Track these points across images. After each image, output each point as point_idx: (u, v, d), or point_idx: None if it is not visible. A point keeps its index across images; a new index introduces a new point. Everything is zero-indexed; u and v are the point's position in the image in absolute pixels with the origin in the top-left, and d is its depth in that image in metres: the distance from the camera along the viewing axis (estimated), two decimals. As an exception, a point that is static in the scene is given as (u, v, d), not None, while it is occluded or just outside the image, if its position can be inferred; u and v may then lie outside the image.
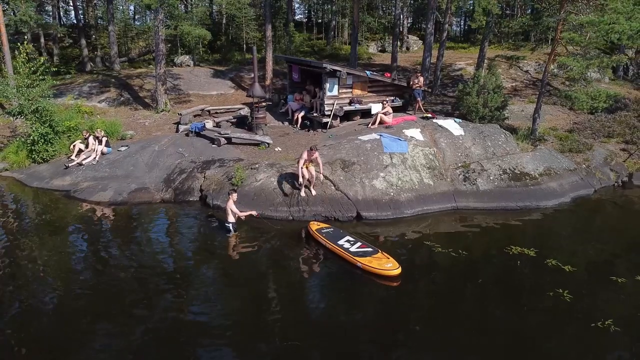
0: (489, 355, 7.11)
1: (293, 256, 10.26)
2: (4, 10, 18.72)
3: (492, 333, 7.62)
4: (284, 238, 11.02)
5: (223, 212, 11.40)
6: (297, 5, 42.03)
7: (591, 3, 14.28)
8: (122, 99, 22.00)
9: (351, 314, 8.18)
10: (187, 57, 27.56)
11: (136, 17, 35.48)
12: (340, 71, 16.47)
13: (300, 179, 12.17)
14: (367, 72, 17.39)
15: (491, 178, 13.70)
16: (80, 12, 27.06)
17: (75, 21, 27.20)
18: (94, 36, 31.13)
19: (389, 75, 17.84)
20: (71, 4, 31.46)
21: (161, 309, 8.15)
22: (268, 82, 22.61)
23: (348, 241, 10.25)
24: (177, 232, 11.73)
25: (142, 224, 12.21)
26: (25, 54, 15.20)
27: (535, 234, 11.71)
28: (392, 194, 12.77)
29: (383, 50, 30.64)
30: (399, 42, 27.94)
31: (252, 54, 16.58)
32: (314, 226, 11.07)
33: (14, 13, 19.52)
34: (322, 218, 11.88)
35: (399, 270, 9.17)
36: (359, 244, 10.15)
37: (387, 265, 9.25)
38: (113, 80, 23.64)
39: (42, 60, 15.76)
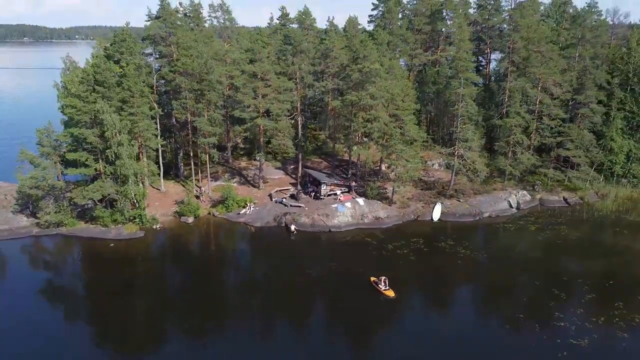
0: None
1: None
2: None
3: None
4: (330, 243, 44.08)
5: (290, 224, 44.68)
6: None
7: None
8: (242, 180, 55.42)
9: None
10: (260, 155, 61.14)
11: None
12: (326, 183, 49.95)
13: None
14: (336, 180, 50.88)
15: (368, 218, 47.06)
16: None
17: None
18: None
19: (343, 182, 51.26)
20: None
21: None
22: (300, 172, 55.99)
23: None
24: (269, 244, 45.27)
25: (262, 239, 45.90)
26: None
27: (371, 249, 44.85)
28: (338, 223, 46.18)
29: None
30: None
31: (295, 162, 50.16)
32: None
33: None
34: (315, 229, 45.26)
35: None
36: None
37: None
38: (234, 171, 57.20)
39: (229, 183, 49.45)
